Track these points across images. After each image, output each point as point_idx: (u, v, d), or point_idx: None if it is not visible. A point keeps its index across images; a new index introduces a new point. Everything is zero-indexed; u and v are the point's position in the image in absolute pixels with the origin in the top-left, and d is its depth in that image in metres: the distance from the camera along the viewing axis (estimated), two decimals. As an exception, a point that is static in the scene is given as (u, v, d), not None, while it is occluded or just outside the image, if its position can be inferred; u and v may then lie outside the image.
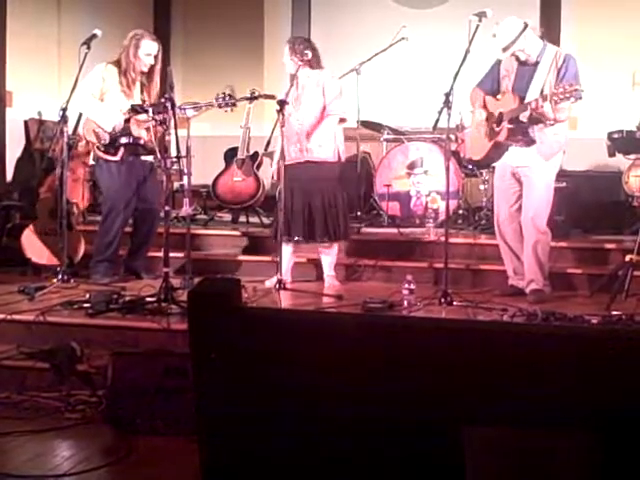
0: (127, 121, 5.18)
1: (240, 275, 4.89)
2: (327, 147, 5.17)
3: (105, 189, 5.35)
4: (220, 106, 5.34)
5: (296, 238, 5.14)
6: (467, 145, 5.47)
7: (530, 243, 4.73)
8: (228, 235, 6.18)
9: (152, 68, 5.32)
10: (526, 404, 1.92)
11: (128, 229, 5.48)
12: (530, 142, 4.68)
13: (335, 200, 5.16)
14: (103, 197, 5.43)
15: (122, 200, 5.26)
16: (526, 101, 4.56)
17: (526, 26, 4.60)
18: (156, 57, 5.30)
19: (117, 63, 5.25)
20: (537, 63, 4.65)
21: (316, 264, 5.48)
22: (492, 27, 4.69)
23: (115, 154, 5.21)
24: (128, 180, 5.26)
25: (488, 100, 4.84)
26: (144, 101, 5.28)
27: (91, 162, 5.54)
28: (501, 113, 4.69)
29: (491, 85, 4.87)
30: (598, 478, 1.85)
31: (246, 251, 5.95)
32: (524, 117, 4.58)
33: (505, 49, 4.62)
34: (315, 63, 5.21)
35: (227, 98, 5.35)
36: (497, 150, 4.80)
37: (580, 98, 4.43)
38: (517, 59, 4.72)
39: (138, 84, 5.30)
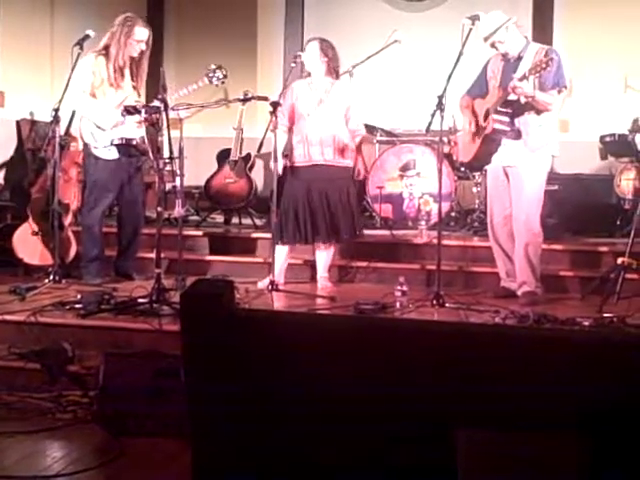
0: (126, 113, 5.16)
1: (232, 276, 4.88)
2: (347, 155, 5.22)
3: (90, 185, 5.32)
4: (211, 81, 5.32)
5: (315, 237, 5.18)
6: (459, 149, 5.49)
7: (522, 245, 4.74)
8: (220, 236, 6.17)
9: (142, 53, 5.25)
10: (517, 406, 1.92)
11: (114, 230, 5.48)
12: (517, 134, 4.70)
13: (349, 199, 5.21)
14: (86, 193, 5.38)
15: (104, 198, 5.26)
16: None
17: (509, 19, 4.66)
18: (147, 43, 5.24)
19: (105, 52, 5.17)
20: (520, 58, 4.70)
21: (309, 265, 5.48)
22: (480, 33, 4.73)
23: (109, 153, 5.19)
24: (113, 179, 5.24)
25: (476, 103, 4.87)
26: (135, 87, 5.25)
27: (80, 154, 5.53)
28: (487, 109, 4.73)
29: (480, 90, 4.91)
30: (587, 479, 1.85)
31: (239, 252, 5.94)
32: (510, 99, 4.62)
33: (486, 38, 4.69)
34: (337, 71, 5.27)
35: (217, 72, 5.32)
36: (487, 147, 4.80)
37: (551, 62, 4.41)
38: (502, 58, 4.76)
39: (127, 71, 5.23)
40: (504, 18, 4.67)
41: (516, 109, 4.65)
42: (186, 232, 5.78)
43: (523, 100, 4.59)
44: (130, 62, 5.23)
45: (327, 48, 5.22)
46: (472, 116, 4.88)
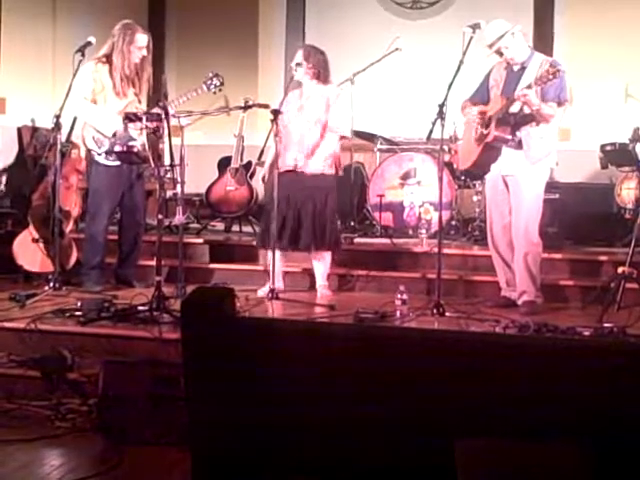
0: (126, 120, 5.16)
1: (233, 284, 4.87)
2: (326, 161, 5.17)
3: (92, 192, 5.33)
4: (209, 89, 5.35)
5: (284, 245, 5.14)
6: (459, 155, 5.49)
7: (521, 254, 4.74)
8: (221, 244, 6.17)
9: (144, 59, 5.26)
10: (518, 415, 1.92)
11: (115, 237, 5.47)
12: (519, 144, 4.70)
13: (324, 210, 5.16)
14: (88, 200, 5.39)
15: (106, 205, 5.26)
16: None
17: (514, 27, 4.68)
18: (147, 48, 5.25)
19: (107, 60, 5.18)
20: (524, 68, 4.70)
21: (309, 274, 5.48)
22: (485, 39, 4.74)
23: (112, 159, 5.20)
24: (115, 186, 5.25)
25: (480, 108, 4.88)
26: (137, 94, 5.25)
27: (81, 161, 5.54)
28: (490, 116, 4.73)
29: (481, 98, 4.91)
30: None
31: (239, 260, 5.94)
32: (513, 109, 4.62)
33: (491, 45, 4.69)
34: (324, 76, 5.20)
35: (214, 79, 5.35)
36: (487, 154, 4.80)
37: (558, 74, 4.41)
38: (506, 67, 4.77)
39: (134, 79, 5.24)
40: (509, 25, 4.68)
41: (518, 119, 4.65)
42: (186, 240, 5.78)
43: (527, 110, 4.59)
44: (135, 69, 5.24)
45: (311, 54, 5.17)
46: (479, 118, 4.85)
